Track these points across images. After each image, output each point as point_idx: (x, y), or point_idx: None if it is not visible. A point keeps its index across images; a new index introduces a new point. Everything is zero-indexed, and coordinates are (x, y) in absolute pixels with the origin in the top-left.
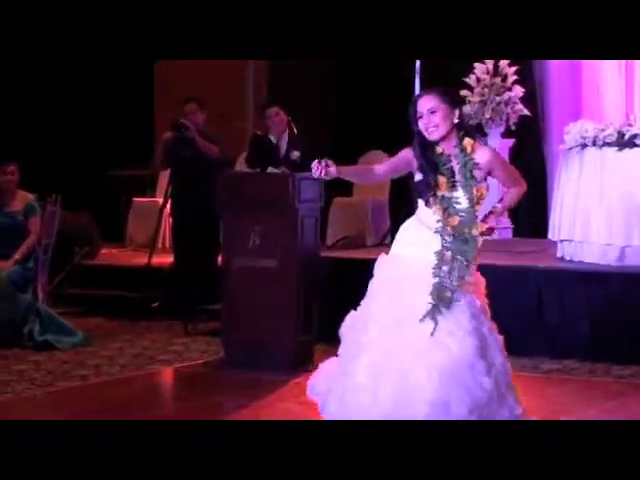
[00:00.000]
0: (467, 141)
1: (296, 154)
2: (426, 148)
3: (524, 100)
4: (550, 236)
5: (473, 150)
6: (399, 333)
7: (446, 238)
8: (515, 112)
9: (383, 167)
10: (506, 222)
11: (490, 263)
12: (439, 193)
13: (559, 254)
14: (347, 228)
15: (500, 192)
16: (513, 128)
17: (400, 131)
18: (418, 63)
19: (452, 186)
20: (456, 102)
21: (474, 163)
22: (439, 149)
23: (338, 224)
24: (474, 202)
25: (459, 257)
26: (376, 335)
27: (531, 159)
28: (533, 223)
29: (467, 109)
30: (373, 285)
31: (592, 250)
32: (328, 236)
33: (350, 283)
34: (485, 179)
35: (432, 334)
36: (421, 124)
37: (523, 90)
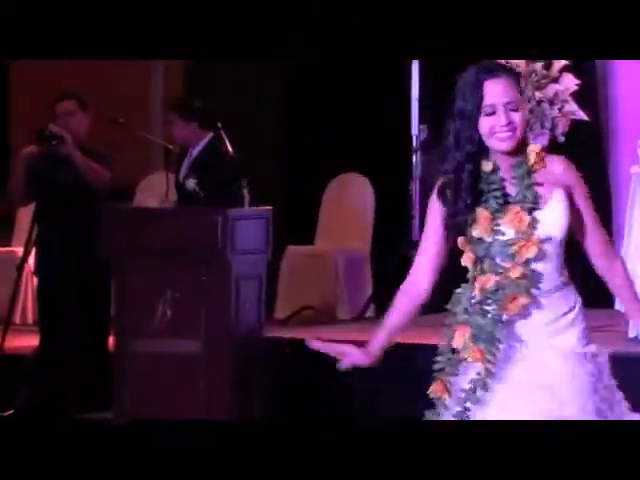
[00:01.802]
0: (533, 147)
1: (191, 183)
2: (476, 168)
3: (579, 98)
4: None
5: (540, 160)
6: None
7: (465, 307)
8: (565, 115)
9: (424, 273)
10: None
11: None
12: (474, 233)
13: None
14: (308, 293)
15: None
16: (562, 139)
17: (379, 145)
18: (416, 64)
19: (496, 225)
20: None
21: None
22: (489, 165)
23: (294, 287)
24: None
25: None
26: None
27: (590, 186)
28: (592, 284)
29: None
30: None
31: None
32: (279, 305)
33: (314, 378)
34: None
35: None
36: (486, 125)
37: (578, 82)
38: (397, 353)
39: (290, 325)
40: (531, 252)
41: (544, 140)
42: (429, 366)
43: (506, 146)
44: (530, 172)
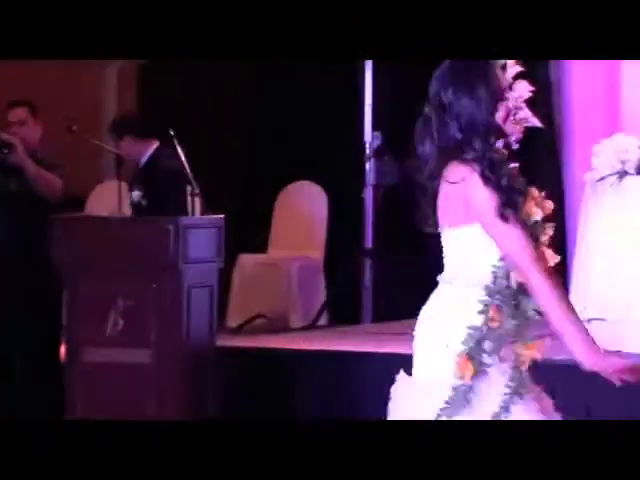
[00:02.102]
0: None
1: (137, 194)
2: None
3: (533, 105)
4: None
5: None
6: None
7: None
8: (519, 122)
9: None
10: None
11: None
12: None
13: None
14: (260, 302)
15: None
16: (516, 146)
17: (332, 153)
18: (370, 64)
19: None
20: None
21: None
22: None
23: (247, 296)
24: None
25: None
26: None
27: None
28: None
29: None
30: None
31: (635, 334)
32: (231, 314)
33: (266, 387)
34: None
35: None
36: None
37: (531, 89)
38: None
39: (242, 334)
40: None
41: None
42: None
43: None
44: None
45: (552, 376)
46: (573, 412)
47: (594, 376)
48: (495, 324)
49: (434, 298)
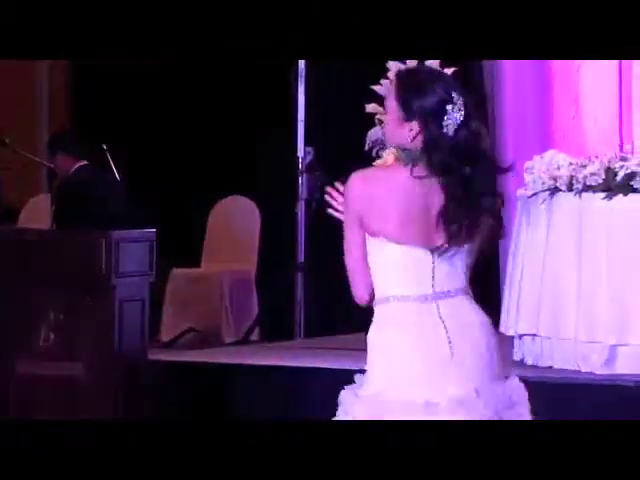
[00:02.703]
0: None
1: (51, 212)
2: None
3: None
4: (502, 329)
5: None
6: None
7: None
8: None
9: None
10: None
11: None
12: None
13: (517, 356)
14: (193, 316)
15: None
16: None
17: (265, 168)
18: (302, 65)
19: None
20: (418, 107)
21: None
22: None
23: (179, 310)
24: None
25: None
26: None
27: None
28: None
29: (376, 133)
30: None
31: (566, 351)
32: (164, 328)
33: (199, 401)
34: None
35: None
36: None
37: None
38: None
39: (174, 348)
40: None
41: None
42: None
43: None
44: None
45: None
46: None
47: None
48: None
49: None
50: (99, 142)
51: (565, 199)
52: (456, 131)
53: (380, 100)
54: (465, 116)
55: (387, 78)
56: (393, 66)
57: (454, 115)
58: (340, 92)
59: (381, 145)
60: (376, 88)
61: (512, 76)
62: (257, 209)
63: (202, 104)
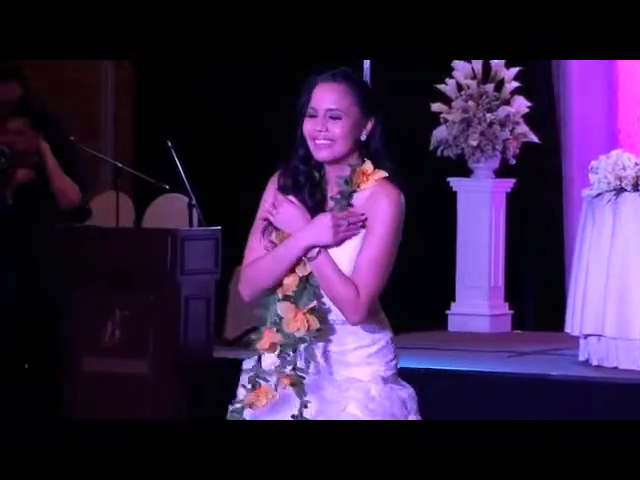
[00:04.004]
0: (365, 166)
1: None
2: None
3: (530, 120)
4: (568, 329)
5: (364, 182)
6: None
7: None
8: (517, 138)
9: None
10: (501, 305)
11: (472, 370)
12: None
13: (582, 357)
14: (258, 314)
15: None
16: (513, 162)
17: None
18: (367, 65)
19: None
20: (374, 107)
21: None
22: (316, 174)
23: (243, 308)
24: None
25: None
26: None
27: (543, 212)
28: (543, 309)
29: (441, 132)
30: None
31: (631, 351)
32: (228, 326)
33: None
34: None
35: None
36: (306, 127)
37: (529, 105)
38: None
39: (239, 346)
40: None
41: (496, 162)
42: None
43: (323, 155)
44: (351, 193)
45: None
46: None
47: None
48: None
49: None
50: (164, 139)
51: (630, 199)
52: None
53: (443, 99)
54: None
55: (452, 77)
56: (459, 65)
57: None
58: (402, 91)
59: (446, 144)
60: (441, 87)
61: (579, 77)
62: None
63: (272, 100)
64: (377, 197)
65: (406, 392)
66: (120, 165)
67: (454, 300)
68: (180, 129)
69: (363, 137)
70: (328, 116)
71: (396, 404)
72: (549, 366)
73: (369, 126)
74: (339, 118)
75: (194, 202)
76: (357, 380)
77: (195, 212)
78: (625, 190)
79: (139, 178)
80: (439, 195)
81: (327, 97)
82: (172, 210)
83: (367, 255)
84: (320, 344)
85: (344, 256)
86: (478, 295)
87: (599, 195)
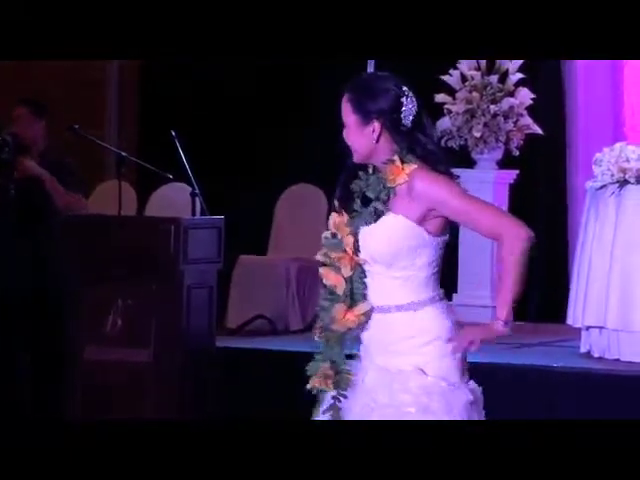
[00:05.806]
0: (393, 162)
1: None
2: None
3: (534, 112)
4: (570, 321)
5: (396, 175)
6: None
7: None
8: (520, 130)
9: None
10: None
11: (473, 361)
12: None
13: (584, 348)
14: (260, 303)
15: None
16: (516, 154)
17: (332, 156)
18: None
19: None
20: (373, 111)
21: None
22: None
23: (245, 297)
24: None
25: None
26: None
27: (546, 203)
28: (545, 300)
29: (444, 123)
30: None
31: (633, 343)
32: (230, 315)
33: (264, 388)
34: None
35: None
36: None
37: (533, 97)
38: None
39: (241, 335)
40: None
41: (499, 154)
42: None
43: (354, 160)
44: (381, 186)
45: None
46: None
47: None
48: None
49: None
50: (167, 128)
51: (634, 191)
52: (414, 120)
53: (447, 90)
54: (418, 105)
55: (456, 68)
56: (464, 62)
57: (409, 106)
58: (405, 82)
59: (450, 135)
60: (445, 78)
61: (584, 69)
62: (325, 197)
63: (270, 92)
64: (416, 186)
65: (461, 391)
66: (124, 154)
67: (456, 291)
68: (184, 119)
69: (374, 139)
70: (345, 127)
71: (438, 401)
72: (551, 358)
73: (372, 129)
74: (347, 127)
75: (197, 191)
76: (401, 371)
77: (198, 201)
78: (628, 182)
79: (142, 167)
80: None
81: (341, 110)
82: (175, 199)
83: (473, 217)
84: (368, 333)
85: (381, 240)
86: (480, 286)
87: (602, 187)
